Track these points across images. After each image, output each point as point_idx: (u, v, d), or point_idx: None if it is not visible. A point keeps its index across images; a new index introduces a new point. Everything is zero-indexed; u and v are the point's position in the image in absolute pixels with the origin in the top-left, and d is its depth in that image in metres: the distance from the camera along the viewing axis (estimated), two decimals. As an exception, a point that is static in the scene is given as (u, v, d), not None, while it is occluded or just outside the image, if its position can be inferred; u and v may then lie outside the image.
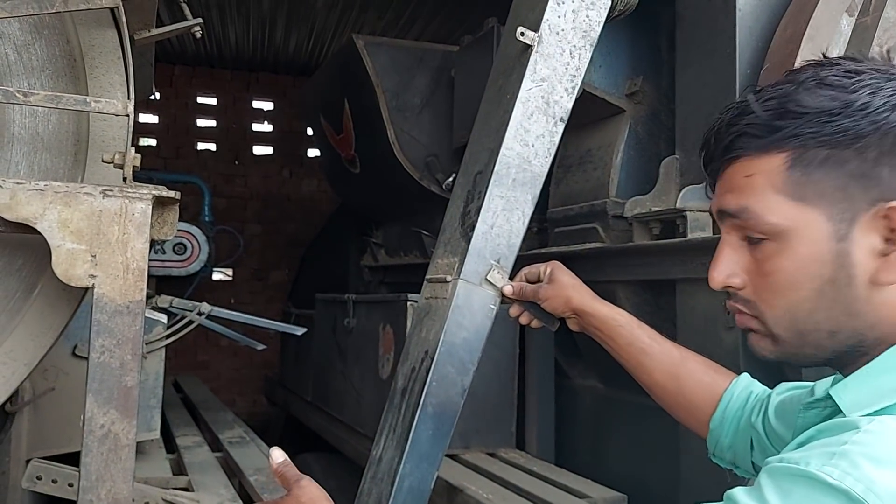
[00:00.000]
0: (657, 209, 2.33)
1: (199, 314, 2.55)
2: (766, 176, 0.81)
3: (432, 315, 1.74)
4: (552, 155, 1.77)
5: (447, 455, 2.83)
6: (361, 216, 5.06)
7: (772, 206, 0.80)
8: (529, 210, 1.74)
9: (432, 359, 1.64)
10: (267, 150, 7.36)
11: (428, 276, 1.82)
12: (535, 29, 1.76)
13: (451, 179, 3.73)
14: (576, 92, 1.81)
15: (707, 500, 0.80)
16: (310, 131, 7.36)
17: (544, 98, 1.81)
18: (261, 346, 3.17)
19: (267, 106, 7.36)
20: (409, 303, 2.82)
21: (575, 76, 1.81)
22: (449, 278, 1.72)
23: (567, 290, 1.42)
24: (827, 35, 2.09)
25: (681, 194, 2.22)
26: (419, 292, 2.99)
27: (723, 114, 0.88)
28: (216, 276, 6.83)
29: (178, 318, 2.53)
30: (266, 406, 6.05)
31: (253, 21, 5.80)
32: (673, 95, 2.57)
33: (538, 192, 1.73)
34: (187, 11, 1.95)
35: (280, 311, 6.47)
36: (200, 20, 1.94)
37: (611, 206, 2.62)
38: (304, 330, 2.94)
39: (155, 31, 1.90)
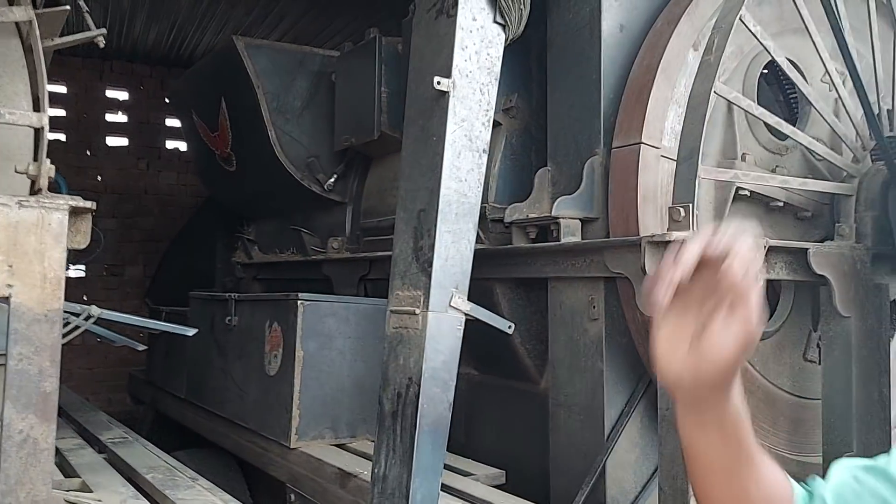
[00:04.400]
0: (534, 216, 2.61)
1: (88, 318, 2.52)
2: None
3: (406, 344, 2.06)
4: (482, 183, 2.05)
5: (336, 445, 2.98)
6: (232, 212, 5.04)
7: None
8: (473, 236, 2.09)
9: (418, 384, 2.00)
10: (122, 141, 7.05)
11: (392, 308, 2.12)
12: (447, 75, 1.99)
13: (332, 180, 3.86)
14: (490, 123, 2.09)
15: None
16: (168, 122, 7.15)
17: (467, 136, 2.07)
18: (142, 347, 3.15)
19: (122, 96, 7.05)
20: (299, 301, 2.93)
21: (488, 110, 2.09)
22: (417, 311, 2.01)
23: None
24: (677, 67, 2.45)
25: (555, 204, 2.50)
26: (299, 290, 3.18)
27: None
28: (69, 273, 6.48)
29: (64, 322, 2.49)
30: (127, 404, 5.85)
31: (112, 9, 5.56)
32: (543, 111, 2.86)
33: (477, 217, 2.05)
34: (90, 21, 1.96)
35: (136, 307, 6.26)
36: (104, 30, 1.97)
37: (489, 211, 2.87)
38: (196, 330, 2.97)
39: (59, 41, 1.91)
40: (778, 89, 3.06)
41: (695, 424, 0.84)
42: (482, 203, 2.90)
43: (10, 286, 1.60)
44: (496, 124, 2.94)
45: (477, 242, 2.87)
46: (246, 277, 4.91)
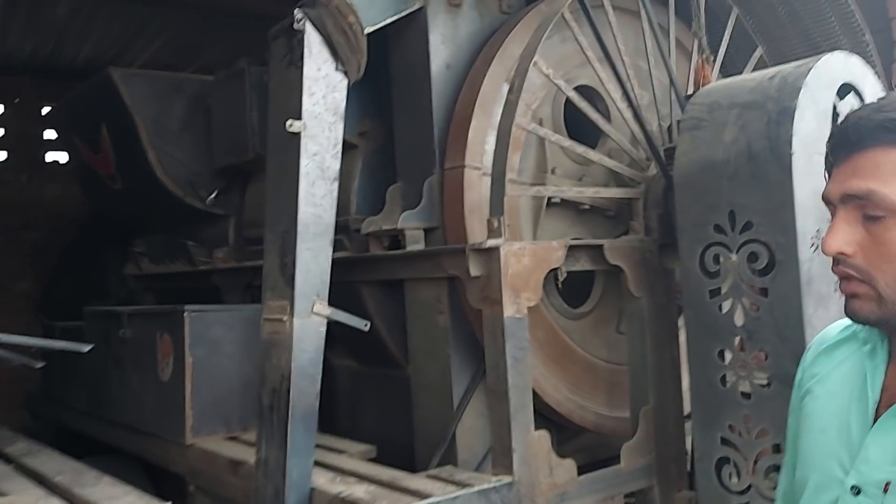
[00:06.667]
0: (387, 227, 3.05)
1: (-12, 342, 2.78)
2: (893, 165, 1.02)
3: (277, 347, 2.53)
4: (335, 206, 2.49)
5: (230, 438, 3.35)
6: (121, 226, 5.24)
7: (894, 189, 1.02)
8: (330, 251, 2.56)
9: (289, 380, 2.45)
10: (1, 154, 7.02)
11: (265, 316, 2.57)
12: (298, 117, 2.42)
13: (213, 196, 4.18)
14: (339, 154, 2.55)
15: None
16: (48, 135, 7.15)
17: (319, 167, 2.52)
18: (39, 364, 3.39)
19: (-3, 109, 7.01)
20: (185, 313, 3.26)
21: (336, 144, 2.54)
22: (284, 318, 2.46)
23: None
24: (492, 100, 2.93)
25: (401, 217, 2.96)
26: (190, 299, 3.53)
27: (859, 111, 1.08)
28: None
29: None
30: (25, 421, 5.94)
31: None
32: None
33: (332, 235, 2.49)
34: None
35: (29, 322, 6.32)
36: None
37: (352, 222, 3.30)
38: (91, 347, 3.25)
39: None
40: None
41: None
42: (345, 215, 3.34)
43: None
44: (353, 146, 3.37)
45: (342, 250, 3.30)
46: (137, 289, 5.14)
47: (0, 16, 5.38)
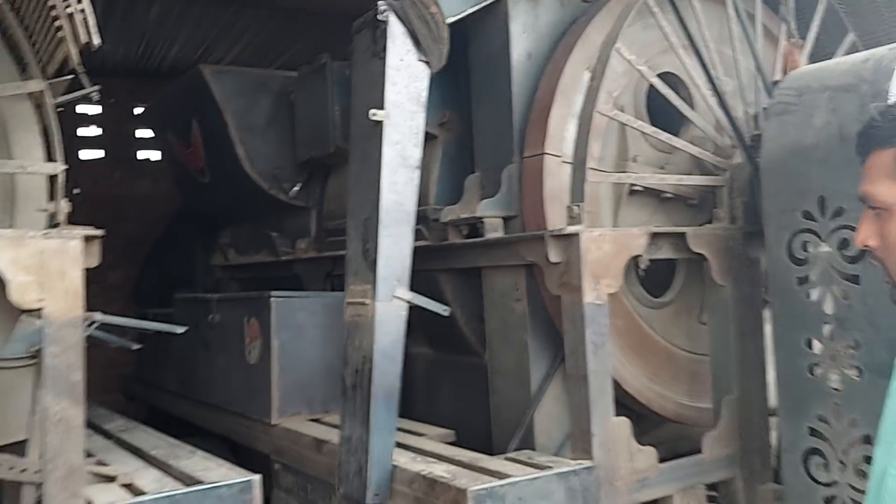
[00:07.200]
0: (465, 216, 3.09)
1: (92, 323, 2.95)
2: (879, 167, 1.19)
3: (360, 329, 2.62)
4: (416, 194, 2.55)
5: (312, 419, 3.46)
6: (208, 218, 5.47)
7: (883, 188, 1.18)
8: (411, 238, 2.63)
9: (371, 361, 2.51)
10: (97, 153, 7.42)
11: (348, 300, 2.65)
12: (381, 107, 2.48)
13: (296, 188, 4.32)
14: (421, 143, 2.60)
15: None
16: (139, 133, 7.52)
17: (400, 155, 2.58)
18: (136, 346, 3.59)
19: (93, 110, 7.40)
20: (272, 299, 3.39)
21: (418, 133, 2.59)
22: (367, 302, 2.53)
23: None
24: (573, 88, 2.93)
25: (480, 205, 3.00)
26: (273, 287, 3.65)
27: (871, 118, 1.25)
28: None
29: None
30: (120, 403, 6.26)
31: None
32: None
33: (413, 222, 2.55)
34: (85, 81, 2.39)
35: (121, 311, 6.63)
36: (98, 87, 2.40)
37: (431, 212, 3.35)
38: (185, 328, 3.41)
39: (60, 99, 2.35)
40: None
41: None
42: (425, 205, 3.40)
43: (41, 300, 2.06)
44: (433, 137, 3.42)
45: (421, 239, 3.36)
46: (224, 278, 5.36)
47: (98, 20, 5.70)
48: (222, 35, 6.14)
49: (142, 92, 7.11)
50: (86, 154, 7.36)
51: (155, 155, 7.45)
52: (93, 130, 7.40)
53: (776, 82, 2.84)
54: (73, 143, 7.23)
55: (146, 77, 7.12)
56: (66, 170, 2.33)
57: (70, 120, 7.18)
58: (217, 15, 5.74)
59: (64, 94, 2.37)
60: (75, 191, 7.31)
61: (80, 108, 7.27)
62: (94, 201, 7.37)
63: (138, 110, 7.25)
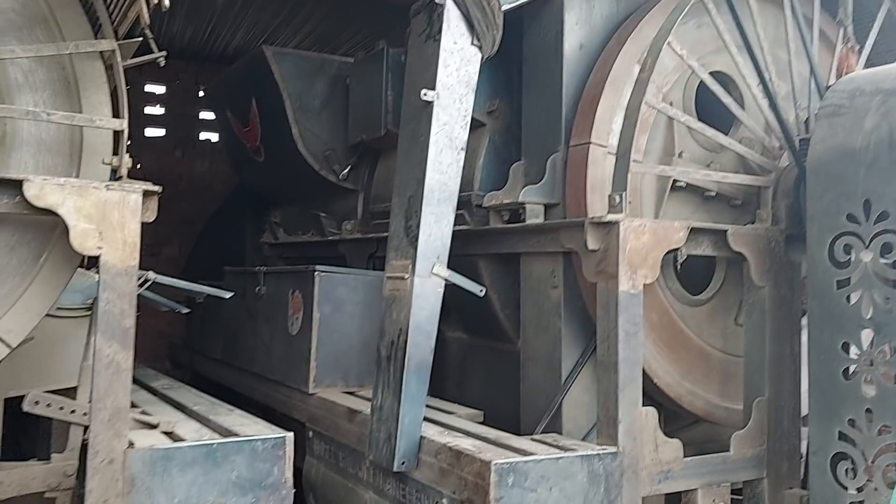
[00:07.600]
0: (507, 201, 3.15)
1: (146, 282, 3.10)
2: None
3: (398, 303, 2.71)
4: (460, 175, 2.62)
5: (347, 392, 3.55)
6: (260, 198, 5.64)
7: None
8: (452, 217, 2.71)
9: (406, 333, 2.56)
10: (159, 131, 7.69)
11: (388, 275, 2.74)
12: (432, 88, 2.56)
13: (346, 171, 4.43)
14: (468, 126, 2.67)
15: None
16: (202, 115, 7.78)
17: (448, 137, 2.65)
18: (185, 310, 3.74)
19: (159, 90, 7.68)
20: (315, 273, 3.50)
21: (466, 115, 2.66)
22: (406, 276, 2.62)
23: None
24: (622, 81, 2.96)
25: (522, 191, 3.05)
26: (318, 264, 3.75)
27: None
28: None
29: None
30: (167, 369, 6.49)
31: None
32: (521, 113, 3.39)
33: (455, 202, 2.62)
34: (154, 46, 2.53)
35: (174, 285, 6.89)
36: (165, 53, 2.53)
37: (474, 198, 3.42)
38: (232, 293, 3.55)
39: (131, 62, 2.48)
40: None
41: None
42: (469, 191, 3.46)
43: (100, 248, 2.19)
44: (481, 124, 3.49)
45: (463, 224, 3.43)
46: (272, 256, 5.52)
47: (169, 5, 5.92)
48: (285, 22, 6.32)
49: (205, 75, 7.35)
50: (150, 132, 7.65)
51: (214, 137, 7.70)
52: (157, 110, 7.68)
53: (829, 86, 2.82)
54: (139, 121, 7.53)
55: (210, 61, 7.37)
56: (129, 144, 2.45)
57: (137, 98, 7.48)
58: (281, 2, 5.90)
59: (133, 57, 2.50)
60: (137, 166, 7.60)
61: (148, 88, 7.57)
62: (154, 177, 7.62)
63: (201, 93, 7.50)
